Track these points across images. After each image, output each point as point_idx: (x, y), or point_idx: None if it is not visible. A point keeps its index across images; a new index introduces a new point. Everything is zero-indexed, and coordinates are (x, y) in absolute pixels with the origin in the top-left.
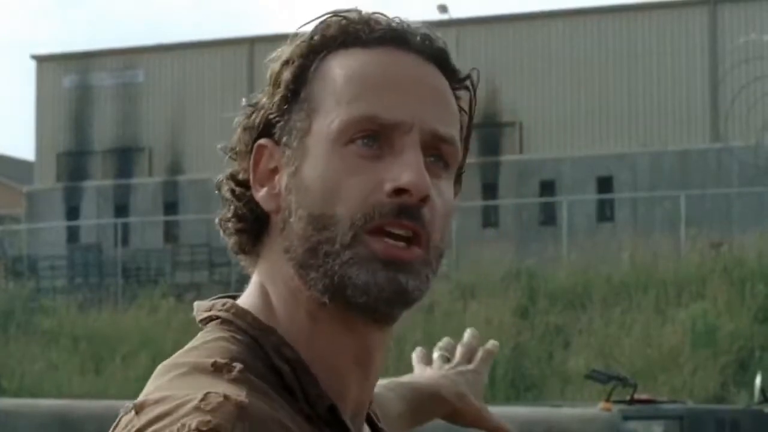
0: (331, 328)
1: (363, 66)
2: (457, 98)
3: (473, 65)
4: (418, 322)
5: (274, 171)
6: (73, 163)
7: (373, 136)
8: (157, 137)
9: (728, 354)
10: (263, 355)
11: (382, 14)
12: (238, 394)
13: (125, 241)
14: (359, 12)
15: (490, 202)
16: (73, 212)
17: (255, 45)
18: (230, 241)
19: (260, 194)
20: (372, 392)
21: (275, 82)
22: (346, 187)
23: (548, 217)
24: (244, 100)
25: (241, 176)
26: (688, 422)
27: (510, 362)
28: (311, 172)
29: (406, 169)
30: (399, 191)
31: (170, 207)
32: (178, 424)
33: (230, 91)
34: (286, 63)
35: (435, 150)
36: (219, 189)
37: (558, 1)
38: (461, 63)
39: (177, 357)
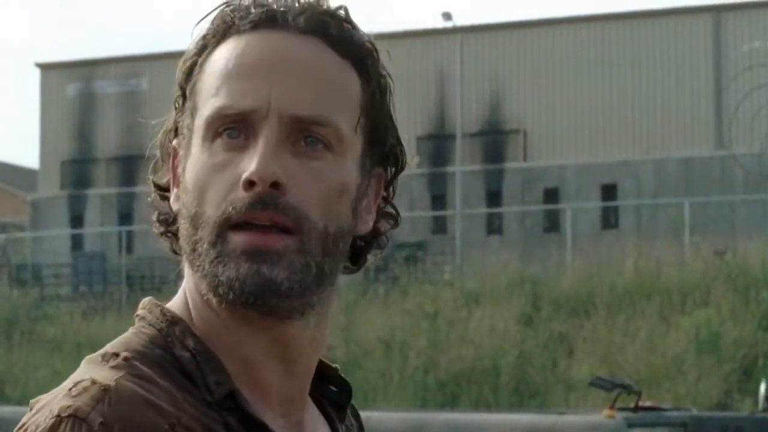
0: (233, 322)
1: (226, 56)
2: (361, 69)
3: (477, 73)
4: (421, 329)
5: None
6: (77, 171)
7: (236, 127)
8: None
9: (732, 361)
10: (165, 345)
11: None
12: (108, 378)
13: (129, 249)
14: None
15: (495, 210)
16: (77, 220)
17: None
18: (163, 245)
19: (171, 196)
20: (305, 385)
21: (178, 84)
22: (211, 185)
23: (552, 224)
24: (174, 103)
25: (164, 181)
26: (692, 429)
27: (514, 369)
28: (189, 171)
29: (252, 159)
30: (250, 183)
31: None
32: (46, 412)
33: None
34: (183, 62)
35: (307, 132)
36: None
37: (562, 8)
38: (465, 70)
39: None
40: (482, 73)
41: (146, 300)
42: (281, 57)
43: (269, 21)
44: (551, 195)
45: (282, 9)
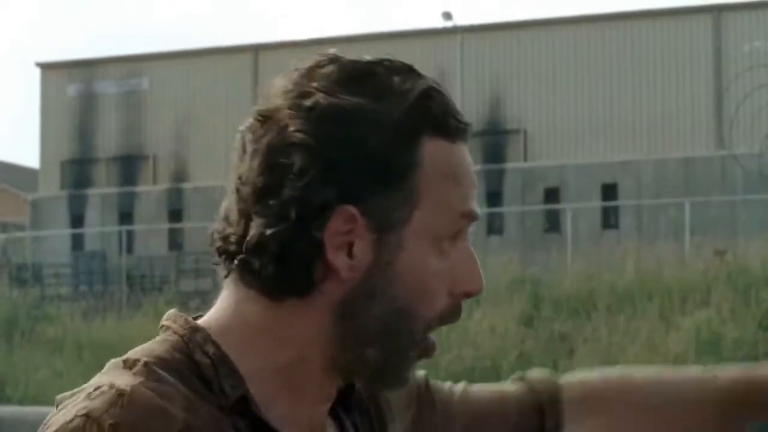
0: (319, 376)
1: (454, 163)
2: None
3: (477, 73)
4: None
5: (349, 238)
6: (77, 171)
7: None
8: (162, 145)
9: (733, 361)
10: (186, 350)
11: (446, 94)
12: (127, 383)
13: (130, 249)
14: (438, 89)
15: (495, 210)
16: (77, 220)
17: (259, 52)
18: (262, 280)
19: (339, 262)
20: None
21: (360, 142)
22: (433, 291)
23: (553, 224)
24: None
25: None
26: None
27: (515, 369)
28: (407, 268)
29: (475, 272)
30: (468, 295)
31: (175, 214)
32: (66, 412)
33: (235, 99)
34: (378, 124)
35: None
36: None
37: (562, 8)
38: (465, 70)
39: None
40: (482, 73)
41: (171, 311)
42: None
43: (466, 135)
44: (551, 195)
45: (467, 125)
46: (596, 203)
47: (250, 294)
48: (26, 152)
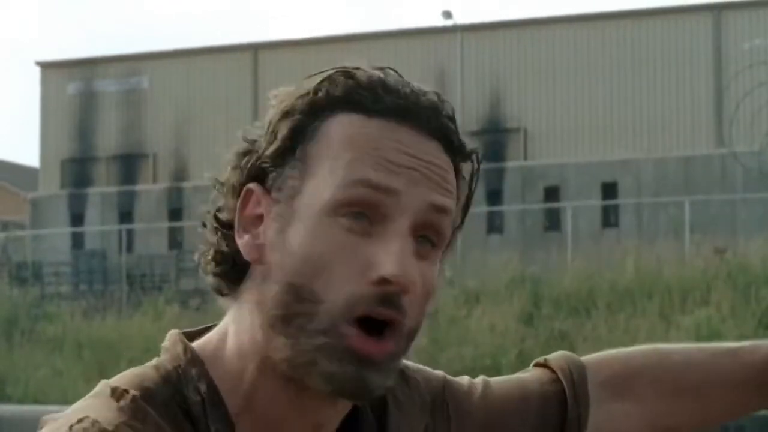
0: (277, 388)
1: (361, 135)
2: (458, 171)
3: (477, 71)
4: (422, 328)
5: (260, 218)
6: (77, 170)
7: (363, 212)
8: (162, 143)
9: None
10: (177, 384)
11: (393, 74)
12: (111, 420)
13: (130, 248)
14: (370, 73)
15: (495, 208)
16: (77, 219)
17: (259, 51)
18: (209, 281)
19: (243, 241)
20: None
21: (273, 132)
22: (331, 266)
23: (553, 223)
24: (241, 134)
25: (225, 216)
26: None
27: (514, 368)
28: (298, 237)
29: (393, 257)
30: (383, 280)
31: (175, 213)
32: None
33: (234, 97)
34: (286, 114)
35: (427, 228)
36: (204, 224)
37: (562, 7)
38: (465, 69)
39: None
40: (482, 72)
41: (174, 332)
42: (416, 155)
43: (402, 114)
44: (551, 193)
45: (413, 104)
46: (596, 202)
47: (230, 313)
48: (26, 151)
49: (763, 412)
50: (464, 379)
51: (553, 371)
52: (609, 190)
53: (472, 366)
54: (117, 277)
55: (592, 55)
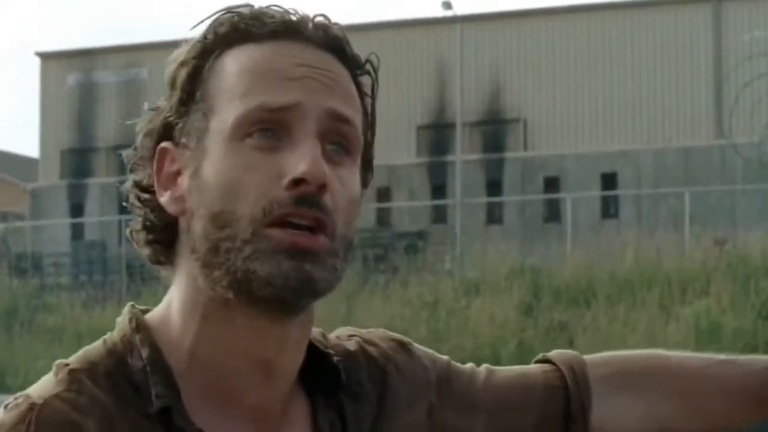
0: (223, 327)
1: (253, 60)
2: (359, 86)
3: (477, 62)
4: (422, 318)
5: (177, 174)
6: (77, 161)
7: (268, 128)
8: None
9: (733, 351)
10: (122, 353)
11: (277, 6)
12: (43, 394)
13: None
14: (252, 7)
15: (495, 199)
16: (77, 209)
17: None
18: (144, 252)
19: (164, 198)
20: (282, 392)
21: (172, 85)
22: (245, 183)
23: (552, 213)
24: (145, 104)
25: (145, 182)
26: None
27: (514, 359)
28: (210, 171)
29: (302, 158)
30: (297, 182)
31: None
32: None
33: None
34: (182, 64)
35: (335, 136)
36: (126, 198)
37: None
38: (465, 60)
39: None
40: (482, 63)
41: (126, 306)
42: (310, 64)
43: (290, 32)
44: (551, 184)
45: (301, 21)
46: (596, 193)
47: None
48: (26, 142)
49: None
50: (468, 366)
51: (555, 366)
52: (609, 181)
53: (471, 357)
54: (117, 268)
55: (592, 46)
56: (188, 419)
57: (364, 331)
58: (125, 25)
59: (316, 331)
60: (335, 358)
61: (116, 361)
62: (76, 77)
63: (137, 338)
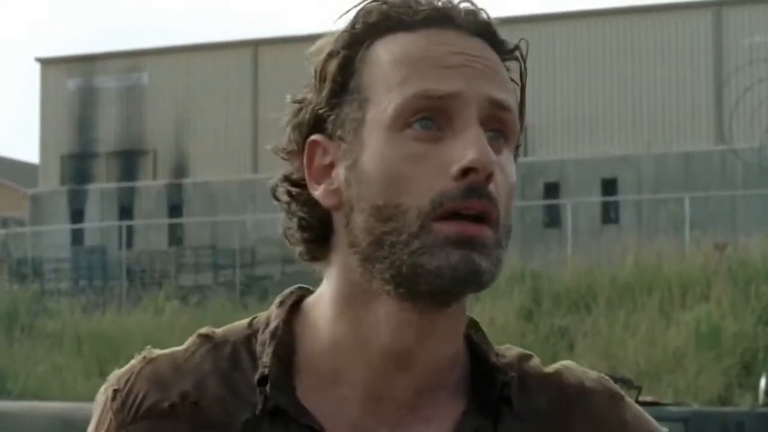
0: (365, 315)
1: (409, 48)
2: (508, 70)
3: None
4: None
5: (330, 167)
6: (77, 166)
7: (429, 117)
8: (162, 140)
9: (733, 356)
10: (257, 327)
11: None
12: (164, 352)
13: (130, 244)
14: None
15: None
16: (77, 215)
17: (259, 47)
18: (298, 250)
19: (318, 192)
20: (416, 385)
21: (321, 76)
22: (409, 176)
23: (553, 219)
24: (288, 97)
25: (295, 176)
26: (693, 424)
27: None
28: (370, 163)
29: (469, 146)
30: (465, 171)
31: (175, 209)
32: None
33: (234, 94)
34: (331, 55)
35: (495, 122)
36: (274, 194)
37: (562, 3)
38: None
39: None
40: None
41: (295, 286)
42: (466, 52)
43: (443, 20)
44: (551, 189)
45: (451, 8)
46: (596, 198)
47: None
48: (26, 147)
49: (763, 409)
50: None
51: None
52: (609, 185)
53: None
54: (117, 273)
55: (592, 51)
56: (285, 391)
57: (581, 368)
58: (125, 30)
59: (515, 352)
60: (510, 374)
61: (250, 332)
62: (76, 82)
63: (275, 313)
